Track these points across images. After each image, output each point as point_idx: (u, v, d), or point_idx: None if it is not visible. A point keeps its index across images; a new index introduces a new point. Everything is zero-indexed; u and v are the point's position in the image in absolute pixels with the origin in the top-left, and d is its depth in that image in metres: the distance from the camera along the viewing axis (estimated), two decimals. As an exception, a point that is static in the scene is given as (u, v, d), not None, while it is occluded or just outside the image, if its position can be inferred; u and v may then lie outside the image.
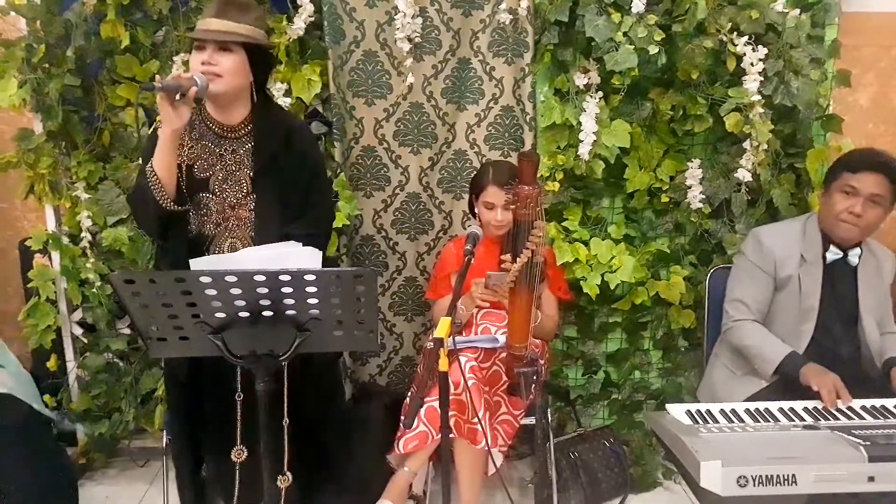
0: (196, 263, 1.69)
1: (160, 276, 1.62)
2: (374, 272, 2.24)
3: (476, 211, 2.50)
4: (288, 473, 1.98)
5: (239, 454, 1.95)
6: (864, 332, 2.25)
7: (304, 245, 1.91)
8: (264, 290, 1.50)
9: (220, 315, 1.56)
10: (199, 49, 1.96)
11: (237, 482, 2.03)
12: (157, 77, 1.86)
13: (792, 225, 2.37)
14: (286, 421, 1.97)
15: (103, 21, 2.54)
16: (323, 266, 1.91)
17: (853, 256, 2.26)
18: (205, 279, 1.49)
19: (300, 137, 2.13)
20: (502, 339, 2.30)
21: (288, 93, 2.60)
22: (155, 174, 1.91)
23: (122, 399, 2.88)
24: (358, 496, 2.50)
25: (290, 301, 1.54)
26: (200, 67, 1.94)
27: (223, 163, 2.05)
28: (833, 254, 2.25)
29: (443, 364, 1.66)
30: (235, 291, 1.51)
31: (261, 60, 2.03)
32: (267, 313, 1.56)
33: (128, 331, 2.86)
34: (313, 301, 1.54)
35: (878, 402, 2.00)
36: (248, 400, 1.83)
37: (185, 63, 2.60)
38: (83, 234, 2.74)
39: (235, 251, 1.99)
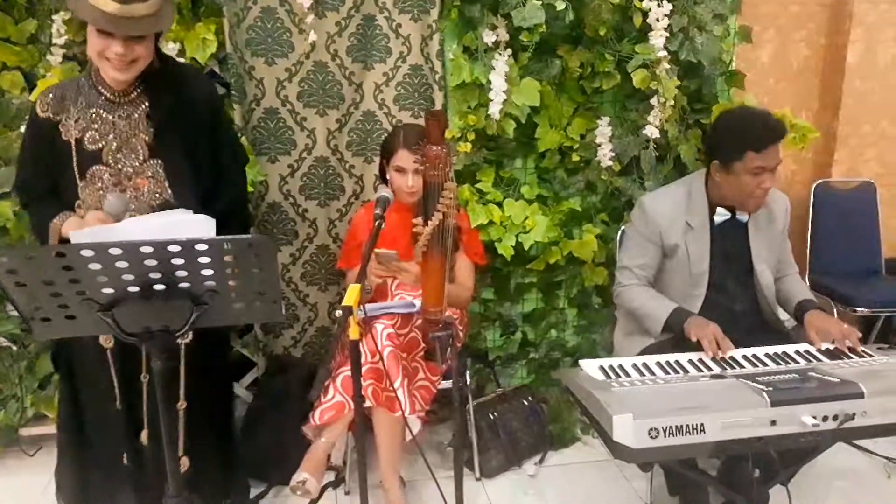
0: (77, 236, 1.56)
1: (37, 251, 1.49)
2: (271, 239, 2.16)
3: (388, 176, 2.43)
4: (184, 458, 1.93)
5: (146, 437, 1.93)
6: (759, 282, 2.29)
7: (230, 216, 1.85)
8: (153, 263, 1.40)
9: (108, 291, 1.45)
10: (104, 34, 1.75)
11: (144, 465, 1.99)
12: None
13: (676, 190, 2.34)
14: (182, 404, 1.91)
15: (-31, -25, 2.32)
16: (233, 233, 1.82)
17: (742, 214, 2.25)
18: (87, 253, 1.37)
19: (198, 89, 2.01)
20: (419, 303, 2.26)
21: (181, 53, 2.45)
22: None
23: (17, 385, 2.71)
24: (275, 470, 2.45)
25: (182, 273, 1.43)
26: (113, 57, 1.77)
27: (117, 131, 1.91)
28: (721, 216, 2.25)
29: (353, 332, 1.60)
30: (122, 265, 1.40)
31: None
32: (159, 287, 1.45)
33: (19, 312, 2.68)
34: (208, 272, 1.44)
35: (780, 349, 2.07)
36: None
37: (66, 22, 2.41)
38: (-39, 211, 2.53)
39: None
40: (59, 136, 1.90)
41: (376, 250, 2.11)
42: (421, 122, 2.72)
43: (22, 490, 2.60)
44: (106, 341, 1.91)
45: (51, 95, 1.92)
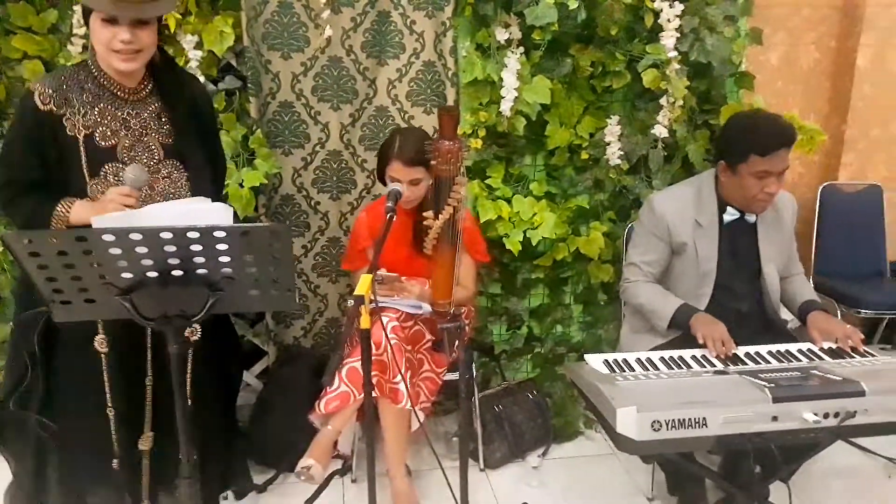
0: (98, 221, 1.60)
1: (59, 234, 1.53)
2: (288, 228, 2.15)
3: (385, 179, 2.40)
4: (150, 434, 1.99)
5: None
6: (766, 282, 2.30)
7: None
8: (172, 249, 1.44)
9: (127, 275, 1.49)
10: (108, 23, 1.73)
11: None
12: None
13: (685, 189, 2.35)
14: (149, 380, 1.96)
15: (-8, -35, 2.36)
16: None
17: (751, 215, 2.26)
18: (108, 237, 1.41)
19: (199, 89, 2.02)
20: (427, 307, 2.29)
21: (199, 45, 2.49)
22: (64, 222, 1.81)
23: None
24: (284, 457, 2.49)
25: (200, 259, 1.47)
26: (119, 46, 1.74)
27: (128, 128, 1.88)
28: (730, 215, 2.26)
29: (364, 322, 1.63)
30: (141, 250, 1.44)
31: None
32: (177, 272, 1.49)
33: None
34: (225, 259, 1.48)
35: (783, 347, 2.10)
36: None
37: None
38: (-20, 197, 2.57)
39: None
40: (63, 131, 1.82)
41: (380, 273, 2.13)
42: (417, 125, 2.75)
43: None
44: (101, 345, 1.91)
45: (50, 89, 1.81)
